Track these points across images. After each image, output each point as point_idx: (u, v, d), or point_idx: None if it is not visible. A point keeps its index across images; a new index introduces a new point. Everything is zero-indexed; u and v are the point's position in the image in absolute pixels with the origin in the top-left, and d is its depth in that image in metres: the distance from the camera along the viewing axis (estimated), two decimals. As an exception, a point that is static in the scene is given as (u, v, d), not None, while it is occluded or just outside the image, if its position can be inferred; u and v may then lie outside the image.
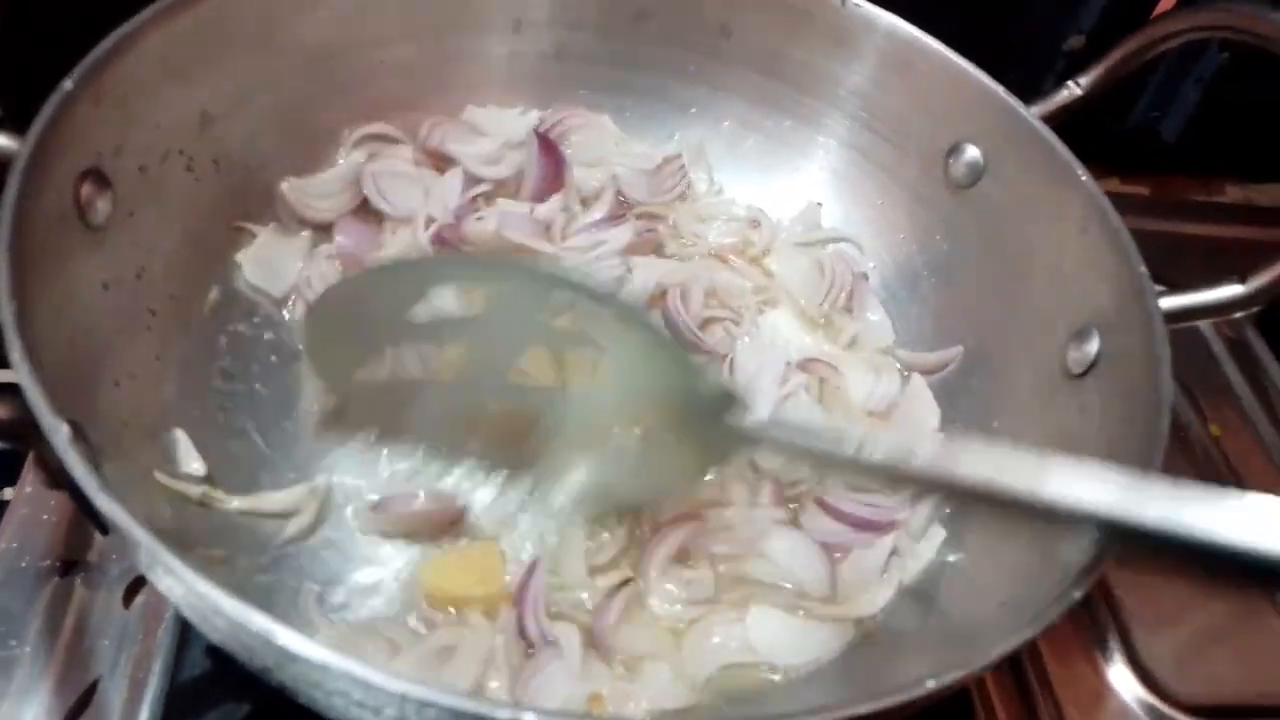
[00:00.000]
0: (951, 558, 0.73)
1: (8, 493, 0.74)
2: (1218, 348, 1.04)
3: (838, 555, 0.73)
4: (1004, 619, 0.59)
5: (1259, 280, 0.70)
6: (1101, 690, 0.77)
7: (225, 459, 0.70)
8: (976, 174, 0.83)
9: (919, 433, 0.81)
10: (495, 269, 0.71)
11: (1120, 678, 0.77)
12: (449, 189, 0.86)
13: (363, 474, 0.73)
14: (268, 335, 0.78)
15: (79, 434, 0.53)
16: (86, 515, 0.68)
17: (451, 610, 0.67)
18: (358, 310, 0.66)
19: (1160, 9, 1.07)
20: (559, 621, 0.66)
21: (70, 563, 0.71)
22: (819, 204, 0.93)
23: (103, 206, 0.65)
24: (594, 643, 0.66)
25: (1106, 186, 0.74)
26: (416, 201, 0.85)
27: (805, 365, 0.83)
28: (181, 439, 0.68)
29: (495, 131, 0.90)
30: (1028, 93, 0.81)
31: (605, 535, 0.71)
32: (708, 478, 0.74)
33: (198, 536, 0.65)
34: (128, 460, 0.62)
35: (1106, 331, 0.71)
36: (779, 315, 0.88)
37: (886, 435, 0.69)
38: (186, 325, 0.74)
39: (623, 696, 0.64)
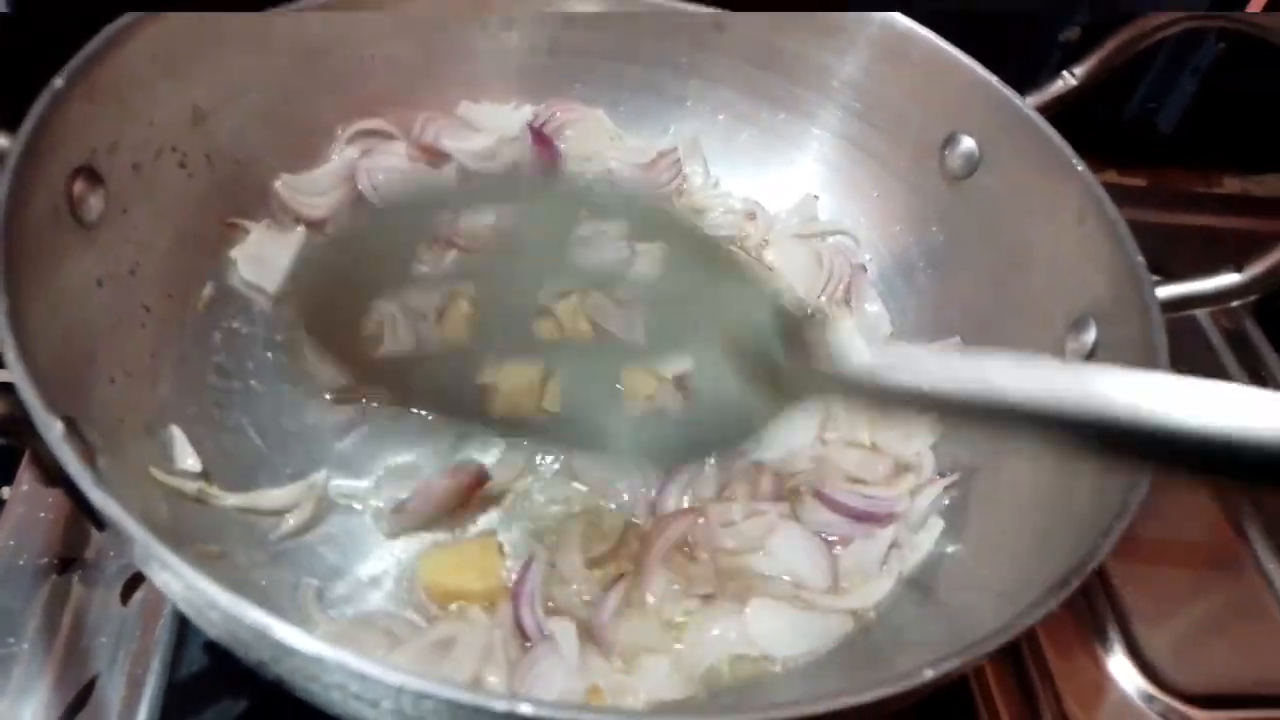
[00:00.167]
0: (950, 548, 0.73)
1: (5, 491, 0.74)
2: (1216, 339, 1.04)
3: (837, 547, 0.73)
4: (1003, 608, 0.59)
5: (1255, 269, 0.70)
6: (1101, 681, 0.77)
7: (221, 455, 0.70)
8: (972, 165, 0.83)
9: (916, 426, 0.81)
10: (502, 190, 0.67)
11: (1120, 668, 0.77)
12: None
13: (361, 470, 0.73)
14: (262, 331, 0.78)
15: (74, 431, 0.53)
16: (83, 512, 0.68)
17: (451, 605, 0.67)
18: (350, 272, 0.64)
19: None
20: (556, 616, 0.66)
21: (68, 560, 0.71)
22: (815, 196, 0.93)
23: (95, 203, 0.65)
24: (592, 637, 0.66)
25: (1104, 178, 0.74)
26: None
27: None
28: (177, 435, 0.68)
29: (490, 127, 0.90)
30: (1023, 84, 0.81)
31: (603, 529, 0.71)
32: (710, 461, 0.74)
33: (194, 533, 0.64)
34: (123, 457, 0.62)
35: (1103, 321, 0.71)
36: None
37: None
38: (181, 322, 0.74)
39: (620, 689, 0.64)
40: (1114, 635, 0.79)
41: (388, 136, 0.88)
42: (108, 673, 0.66)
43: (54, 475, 0.53)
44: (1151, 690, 0.76)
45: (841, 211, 0.92)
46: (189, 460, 0.68)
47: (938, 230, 0.86)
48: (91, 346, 0.64)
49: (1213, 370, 1.01)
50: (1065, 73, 0.81)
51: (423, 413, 0.76)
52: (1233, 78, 1.14)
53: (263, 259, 0.80)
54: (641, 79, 0.94)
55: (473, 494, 0.71)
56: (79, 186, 0.64)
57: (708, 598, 0.69)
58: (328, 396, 0.76)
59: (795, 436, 0.78)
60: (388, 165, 0.86)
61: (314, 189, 0.84)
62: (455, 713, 0.44)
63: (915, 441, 0.80)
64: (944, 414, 0.64)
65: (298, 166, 0.84)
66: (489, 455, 0.75)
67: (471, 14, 0.88)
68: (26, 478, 0.73)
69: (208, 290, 0.76)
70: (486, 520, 0.72)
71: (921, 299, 0.88)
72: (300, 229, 0.83)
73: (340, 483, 0.72)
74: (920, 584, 0.71)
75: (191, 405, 0.71)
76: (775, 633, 0.67)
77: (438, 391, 0.66)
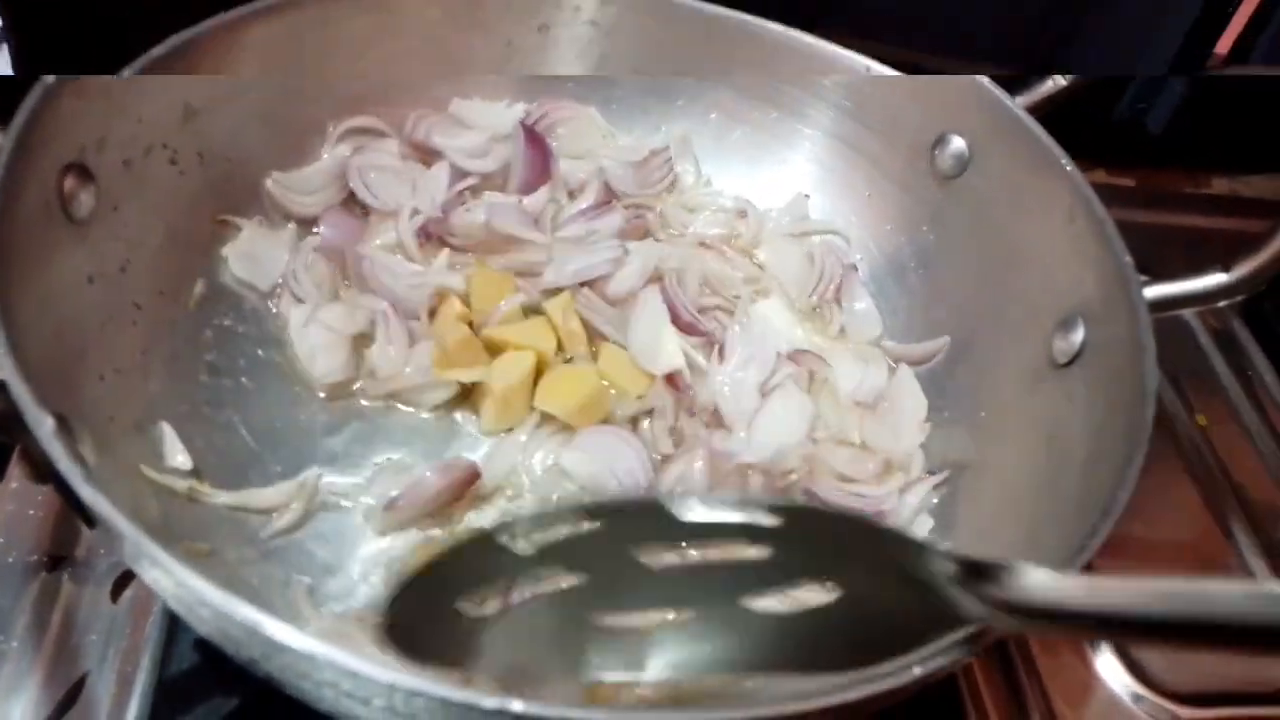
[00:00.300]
0: (939, 547, 0.73)
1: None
2: (1204, 338, 1.04)
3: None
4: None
5: (1242, 270, 0.70)
6: (1089, 680, 0.77)
7: (212, 453, 0.70)
8: (962, 164, 0.83)
9: (905, 424, 0.81)
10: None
11: (1108, 667, 0.78)
12: (435, 182, 0.85)
13: (352, 467, 0.73)
14: (254, 329, 0.78)
15: (64, 427, 0.53)
16: (73, 509, 0.68)
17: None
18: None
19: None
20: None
21: (57, 558, 0.71)
22: (806, 196, 0.93)
23: (86, 200, 0.65)
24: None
25: (1093, 178, 0.74)
26: (403, 195, 0.85)
27: (794, 357, 0.83)
28: (168, 433, 0.68)
29: (482, 124, 0.90)
30: (1013, 84, 0.81)
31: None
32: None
33: (185, 530, 0.64)
34: (114, 454, 0.62)
35: (1091, 321, 0.71)
36: (770, 305, 0.88)
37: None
38: (172, 319, 0.73)
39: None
40: (1101, 633, 0.79)
41: (379, 134, 0.88)
42: (98, 670, 0.66)
43: (44, 472, 0.53)
44: (1138, 688, 0.77)
45: (832, 210, 0.93)
46: (179, 458, 0.68)
47: (928, 229, 0.87)
48: (82, 343, 0.64)
49: (1200, 370, 1.02)
50: (1056, 76, 0.81)
51: (412, 409, 0.77)
52: (1222, 79, 1.14)
53: (254, 256, 0.79)
54: (634, 77, 0.94)
55: (464, 491, 0.71)
56: (70, 183, 0.63)
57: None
58: (320, 394, 0.76)
59: (785, 435, 0.78)
60: (379, 163, 0.86)
61: (305, 187, 0.83)
62: (447, 710, 0.44)
63: (904, 440, 0.80)
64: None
65: (289, 163, 0.83)
66: (479, 452, 0.75)
67: (465, 14, 0.88)
68: (16, 475, 0.73)
69: (199, 288, 0.76)
70: (478, 517, 0.72)
71: (912, 299, 0.88)
72: (291, 226, 0.83)
73: (331, 480, 0.72)
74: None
75: (182, 403, 0.71)
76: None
77: None
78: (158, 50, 0.67)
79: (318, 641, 0.43)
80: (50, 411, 0.50)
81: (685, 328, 0.81)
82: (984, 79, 0.81)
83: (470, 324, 0.78)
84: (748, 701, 0.48)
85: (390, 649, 0.49)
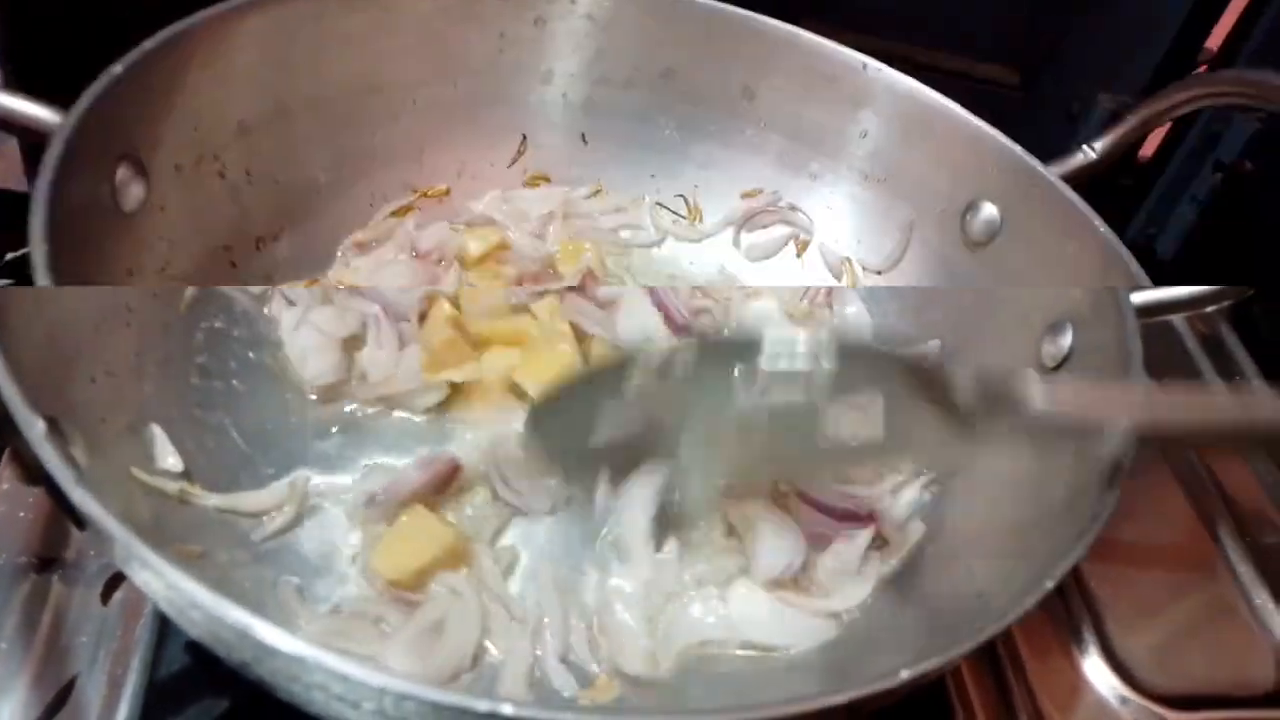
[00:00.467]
0: (930, 549, 0.73)
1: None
2: (1191, 344, 1.05)
3: (818, 547, 0.73)
4: (982, 609, 0.60)
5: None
6: (1077, 683, 0.77)
7: (203, 455, 0.70)
8: (993, 231, 0.84)
9: None
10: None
11: (1095, 670, 0.78)
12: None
13: (343, 469, 0.73)
14: (245, 331, 0.78)
15: (55, 430, 0.53)
16: (63, 510, 0.68)
17: (428, 585, 0.67)
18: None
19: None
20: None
21: (47, 559, 0.70)
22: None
23: (137, 192, 0.67)
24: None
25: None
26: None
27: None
28: (158, 435, 0.68)
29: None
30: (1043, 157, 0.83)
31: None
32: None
33: (175, 532, 0.64)
34: (105, 456, 0.62)
35: (1080, 326, 0.71)
36: (762, 306, 0.89)
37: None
38: (165, 321, 0.73)
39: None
40: (1089, 637, 0.79)
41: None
42: (88, 672, 0.66)
43: (35, 474, 0.53)
44: (1126, 691, 0.77)
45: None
46: (170, 460, 0.68)
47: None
48: (75, 346, 0.64)
49: (1189, 376, 1.02)
50: (1085, 146, 0.82)
51: (405, 413, 0.77)
52: (1231, 207, 1.15)
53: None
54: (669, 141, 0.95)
55: (445, 486, 0.71)
56: (123, 172, 0.65)
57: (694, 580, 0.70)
58: (311, 396, 0.76)
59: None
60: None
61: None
62: (438, 713, 0.44)
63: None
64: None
65: (337, 193, 0.85)
66: (464, 447, 0.75)
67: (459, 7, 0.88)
68: (6, 475, 0.73)
69: (190, 290, 0.76)
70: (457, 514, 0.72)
71: (903, 302, 0.88)
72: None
73: (320, 481, 0.72)
74: (898, 584, 0.72)
75: (173, 405, 0.71)
76: (756, 621, 0.68)
77: None
78: (149, 43, 0.67)
79: (308, 645, 0.43)
80: (41, 414, 0.50)
81: (678, 330, 0.82)
82: (1016, 146, 0.82)
83: (460, 326, 0.78)
84: (734, 708, 0.48)
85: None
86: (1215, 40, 1.12)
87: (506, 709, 0.43)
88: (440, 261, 0.85)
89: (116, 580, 0.70)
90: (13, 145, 0.93)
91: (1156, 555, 0.87)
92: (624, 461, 0.69)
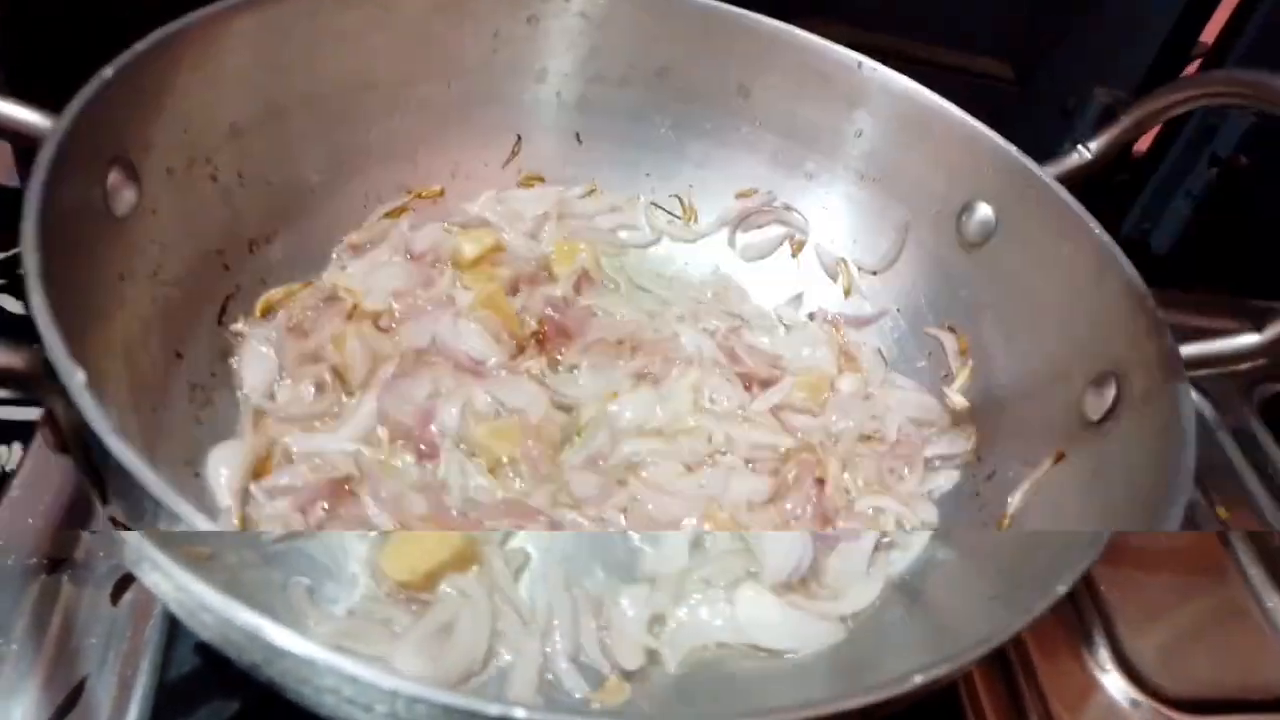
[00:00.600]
0: (940, 553, 0.73)
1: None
2: (1222, 435, 1.03)
3: (827, 548, 0.73)
4: (992, 613, 0.60)
5: (1274, 330, 0.69)
6: (1088, 686, 0.77)
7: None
8: (988, 231, 0.84)
9: None
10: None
11: (1106, 674, 0.78)
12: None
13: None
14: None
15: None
16: (88, 477, 0.67)
17: (438, 586, 0.66)
18: None
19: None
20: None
21: (57, 560, 0.71)
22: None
23: (129, 196, 0.65)
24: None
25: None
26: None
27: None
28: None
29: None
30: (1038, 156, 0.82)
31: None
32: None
33: (186, 534, 0.64)
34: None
35: (1123, 377, 0.71)
36: None
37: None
38: (189, 321, 0.73)
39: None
40: (1100, 641, 0.79)
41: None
42: (97, 674, 0.66)
43: (65, 440, 0.52)
44: (1137, 695, 0.77)
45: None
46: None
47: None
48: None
49: (1219, 464, 1.00)
50: (1080, 146, 0.81)
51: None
52: (1226, 202, 1.15)
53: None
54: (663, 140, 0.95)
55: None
56: (115, 176, 0.64)
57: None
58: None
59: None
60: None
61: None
62: (450, 717, 0.44)
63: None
64: None
65: (330, 193, 0.84)
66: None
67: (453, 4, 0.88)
68: (16, 482, 0.73)
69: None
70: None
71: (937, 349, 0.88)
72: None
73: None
74: (909, 588, 0.72)
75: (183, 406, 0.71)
76: (764, 624, 0.68)
77: None
78: (140, 45, 0.66)
79: (319, 647, 0.43)
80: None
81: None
82: (1011, 147, 0.82)
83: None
84: (743, 713, 0.48)
85: None
86: (1209, 35, 1.11)
87: (519, 713, 0.43)
88: (435, 264, 0.85)
89: (126, 581, 0.70)
90: (5, 147, 0.93)
91: (1166, 558, 0.87)
92: None
